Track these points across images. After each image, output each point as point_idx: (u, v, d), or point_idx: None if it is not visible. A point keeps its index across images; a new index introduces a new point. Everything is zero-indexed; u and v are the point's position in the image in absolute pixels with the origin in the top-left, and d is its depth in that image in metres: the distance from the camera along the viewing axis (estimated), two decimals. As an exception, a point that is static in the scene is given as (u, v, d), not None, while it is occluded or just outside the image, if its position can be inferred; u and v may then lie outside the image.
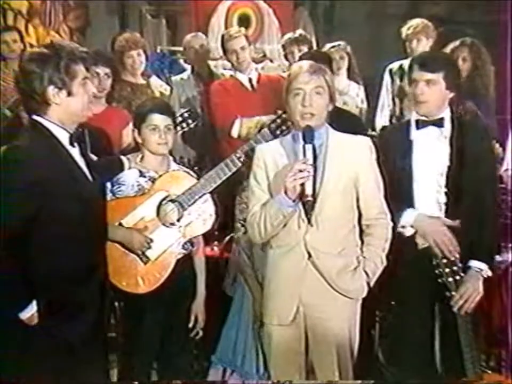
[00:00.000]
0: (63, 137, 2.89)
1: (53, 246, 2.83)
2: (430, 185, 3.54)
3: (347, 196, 3.30)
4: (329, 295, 3.27)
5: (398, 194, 3.48)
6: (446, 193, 3.52)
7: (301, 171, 3.11)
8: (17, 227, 2.77)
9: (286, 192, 3.14)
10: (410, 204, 3.54)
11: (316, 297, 3.28)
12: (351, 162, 3.29)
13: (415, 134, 3.57)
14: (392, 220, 3.40)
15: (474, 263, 3.46)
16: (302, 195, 3.16)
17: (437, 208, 3.54)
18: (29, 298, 2.83)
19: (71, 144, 2.91)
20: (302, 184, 3.13)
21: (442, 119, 3.54)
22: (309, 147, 3.17)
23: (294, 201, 3.16)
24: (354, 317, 3.34)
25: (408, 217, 3.52)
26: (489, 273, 3.48)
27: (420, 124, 3.55)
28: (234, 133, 4.85)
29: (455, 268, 3.38)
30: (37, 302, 2.84)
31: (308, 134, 3.19)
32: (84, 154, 2.98)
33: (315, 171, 3.19)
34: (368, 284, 3.32)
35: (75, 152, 2.92)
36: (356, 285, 3.30)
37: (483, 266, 3.46)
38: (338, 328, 3.29)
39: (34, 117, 2.88)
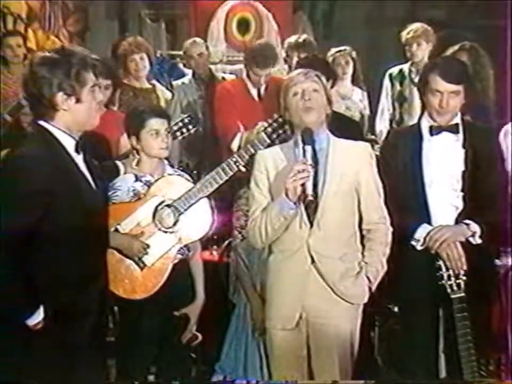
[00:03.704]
0: (69, 144, 2.86)
1: (55, 253, 2.81)
2: (445, 191, 3.51)
3: (348, 199, 3.31)
4: (331, 300, 3.28)
5: (410, 201, 3.49)
6: (463, 197, 3.50)
7: (300, 172, 3.12)
8: (21, 235, 2.74)
9: (286, 194, 3.15)
10: (425, 210, 3.51)
11: (318, 302, 3.28)
12: (352, 167, 3.31)
13: (428, 140, 3.53)
14: (401, 227, 3.41)
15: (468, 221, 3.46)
16: (303, 197, 3.16)
17: (453, 212, 3.52)
18: (36, 305, 2.80)
19: (76, 151, 2.89)
20: (303, 185, 3.13)
21: (457, 125, 3.52)
22: (308, 148, 3.19)
23: (295, 203, 3.16)
24: (355, 321, 3.35)
25: (423, 232, 3.48)
26: (478, 239, 3.46)
27: (434, 130, 3.52)
28: (235, 146, 4.81)
29: (458, 281, 3.37)
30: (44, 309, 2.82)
31: (307, 136, 3.22)
32: (87, 161, 2.95)
33: (316, 173, 3.21)
34: (369, 289, 3.33)
35: (79, 159, 2.90)
36: (358, 290, 3.31)
37: (476, 227, 3.45)
38: (340, 333, 3.29)
39: (41, 122, 2.85)
